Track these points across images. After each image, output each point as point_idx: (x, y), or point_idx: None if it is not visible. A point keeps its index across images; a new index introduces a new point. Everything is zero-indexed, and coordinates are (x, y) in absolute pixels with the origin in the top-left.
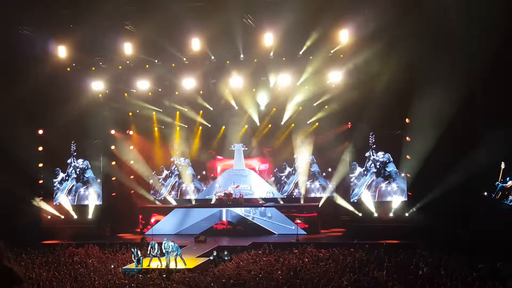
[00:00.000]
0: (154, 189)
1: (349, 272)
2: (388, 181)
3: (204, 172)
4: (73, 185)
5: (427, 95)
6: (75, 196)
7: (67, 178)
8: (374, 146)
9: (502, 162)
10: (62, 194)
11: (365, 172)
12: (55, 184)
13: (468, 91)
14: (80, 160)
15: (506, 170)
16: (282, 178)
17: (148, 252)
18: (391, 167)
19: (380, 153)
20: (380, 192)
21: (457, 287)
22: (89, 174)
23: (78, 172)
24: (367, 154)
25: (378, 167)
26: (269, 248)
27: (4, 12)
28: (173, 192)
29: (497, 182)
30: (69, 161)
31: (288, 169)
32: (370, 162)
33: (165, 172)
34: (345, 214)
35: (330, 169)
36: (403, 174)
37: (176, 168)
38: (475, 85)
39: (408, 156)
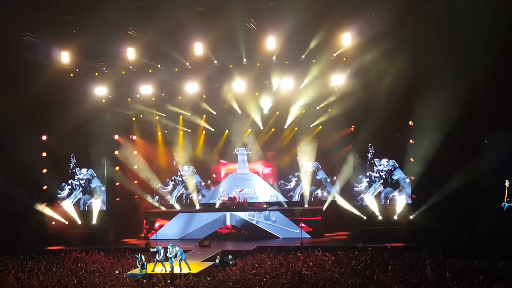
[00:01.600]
0: (163, 200)
1: (354, 275)
2: (398, 189)
3: (214, 176)
4: (80, 198)
5: (430, 98)
6: (84, 207)
7: (72, 191)
8: (375, 155)
9: (506, 181)
10: (69, 204)
11: (371, 184)
12: (63, 197)
13: (472, 93)
14: (83, 170)
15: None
16: (289, 192)
17: (154, 257)
18: (398, 174)
19: (384, 161)
20: (393, 202)
21: None
22: (95, 183)
23: (83, 184)
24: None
25: (384, 176)
26: (274, 252)
27: (7, 18)
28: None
29: (503, 203)
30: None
31: (293, 180)
32: (375, 173)
33: (171, 184)
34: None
35: (338, 174)
36: (407, 179)
37: (181, 180)
38: (479, 88)
39: (412, 159)
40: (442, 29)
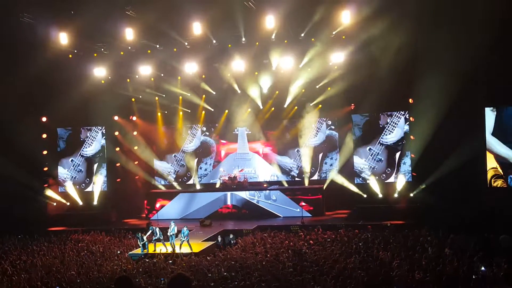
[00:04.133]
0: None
1: (354, 253)
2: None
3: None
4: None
5: (430, 75)
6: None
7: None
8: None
9: None
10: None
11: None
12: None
13: (472, 70)
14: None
15: None
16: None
17: (149, 236)
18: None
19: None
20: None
21: (463, 267)
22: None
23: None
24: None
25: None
26: (274, 231)
27: None
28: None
29: None
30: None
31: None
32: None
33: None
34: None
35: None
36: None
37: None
38: (479, 64)
39: (412, 137)
40: (442, 4)
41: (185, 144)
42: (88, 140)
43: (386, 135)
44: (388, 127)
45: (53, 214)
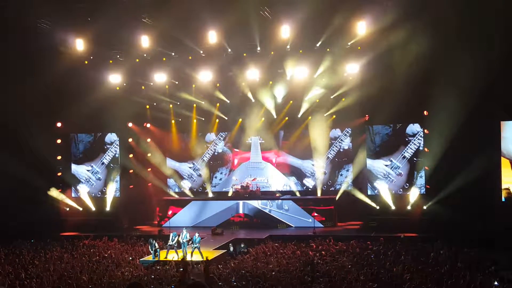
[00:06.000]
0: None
1: (366, 265)
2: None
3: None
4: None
5: (446, 87)
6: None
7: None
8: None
9: None
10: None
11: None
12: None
13: (488, 82)
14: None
15: None
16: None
17: (168, 243)
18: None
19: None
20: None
21: (475, 280)
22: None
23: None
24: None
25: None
26: (286, 241)
27: (23, 5)
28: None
29: None
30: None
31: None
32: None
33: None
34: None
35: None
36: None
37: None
38: (495, 77)
39: (426, 149)
40: (458, 15)
41: (206, 153)
42: (113, 145)
43: (412, 146)
44: (416, 137)
45: (66, 219)
